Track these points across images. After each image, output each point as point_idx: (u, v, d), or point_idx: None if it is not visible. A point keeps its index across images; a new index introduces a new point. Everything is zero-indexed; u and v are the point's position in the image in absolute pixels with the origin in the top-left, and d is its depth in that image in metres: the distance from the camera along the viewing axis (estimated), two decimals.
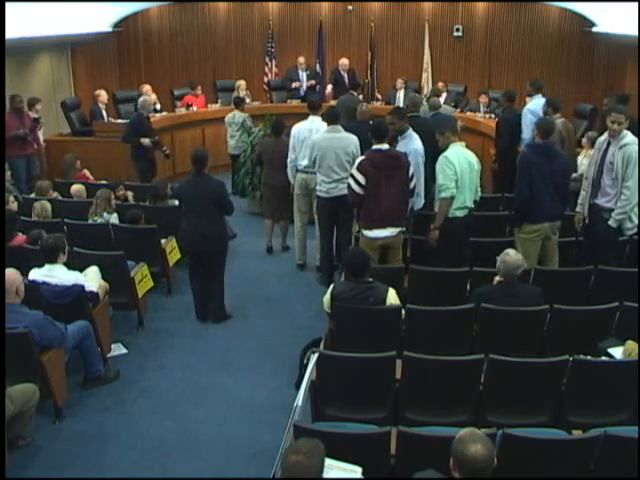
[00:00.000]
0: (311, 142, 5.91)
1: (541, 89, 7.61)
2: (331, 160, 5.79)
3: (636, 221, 5.09)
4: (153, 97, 9.99)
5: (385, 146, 5.07)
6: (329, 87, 10.73)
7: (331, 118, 5.97)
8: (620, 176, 4.99)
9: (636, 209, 5.06)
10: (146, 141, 7.95)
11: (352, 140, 5.84)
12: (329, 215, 6.04)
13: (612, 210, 5.08)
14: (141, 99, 8.49)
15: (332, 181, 5.84)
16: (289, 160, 6.36)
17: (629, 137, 5.00)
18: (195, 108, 10.11)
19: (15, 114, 7.90)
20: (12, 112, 7.93)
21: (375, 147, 5.08)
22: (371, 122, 6.11)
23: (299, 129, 6.30)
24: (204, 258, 5.41)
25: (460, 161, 5.06)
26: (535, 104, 7.27)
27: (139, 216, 6.07)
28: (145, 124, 8.15)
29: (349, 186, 5.11)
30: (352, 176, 5.07)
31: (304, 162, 6.18)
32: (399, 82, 10.85)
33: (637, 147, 4.96)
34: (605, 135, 5.18)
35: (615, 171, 5.02)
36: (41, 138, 8.58)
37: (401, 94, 10.68)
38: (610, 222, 5.08)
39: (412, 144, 5.53)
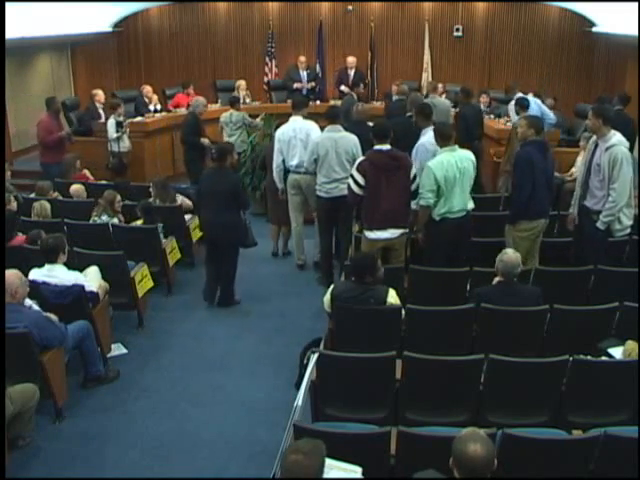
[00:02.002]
0: (312, 143, 5.88)
1: (514, 88, 8.14)
2: (332, 160, 5.76)
3: (626, 222, 5.05)
4: (154, 97, 9.98)
5: (386, 147, 5.05)
6: (343, 87, 10.66)
7: (330, 118, 5.95)
8: (607, 178, 4.95)
9: (625, 210, 5.02)
10: (206, 141, 7.89)
11: (353, 139, 5.81)
12: (328, 215, 6.03)
13: (600, 212, 5.04)
14: (194, 99, 8.37)
15: (332, 181, 5.82)
16: (275, 165, 6.32)
17: (616, 138, 4.95)
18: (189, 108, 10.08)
19: (54, 116, 7.91)
20: (52, 114, 7.93)
21: (376, 147, 5.07)
22: (370, 123, 6.11)
23: (283, 131, 6.31)
24: (219, 246, 5.71)
25: (446, 170, 4.92)
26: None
27: (151, 207, 6.12)
28: (200, 124, 8.04)
29: (348, 186, 5.11)
30: (351, 176, 5.06)
31: (294, 162, 6.20)
32: (394, 88, 10.73)
33: (624, 148, 4.92)
34: (595, 136, 5.18)
35: (602, 173, 4.98)
36: (127, 142, 8.49)
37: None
38: (598, 224, 5.05)
39: (421, 138, 5.55)
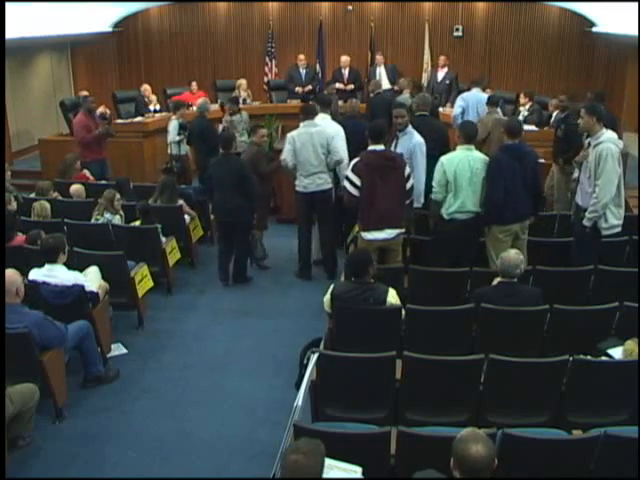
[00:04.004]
0: (289, 136, 6.07)
1: (479, 84, 8.38)
2: (309, 153, 5.95)
3: (613, 221, 4.98)
4: (153, 98, 9.95)
5: (380, 147, 5.05)
6: (337, 85, 10.70)
7: (307, 113, 6.08)
8: (593, 175, 4.94)
9: (614, 209, 4.97)
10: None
11: (327, 133, 5.98)
12: (307, 210, 6.20)
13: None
14: (200, 100, 8.21)
15: (309, 174, 6.00)
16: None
17: (605, 135, 4.93)
18: (195, 108, 10.05)
19: (89, 115, 7.86)
20: (86, 113, 7.86)
21: (370, 148, 5.07)
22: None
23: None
24: (229, 227, 6.16)
25: (458, 166, 4.98)
26: (470, 94, 8.28)
27: (148, 208, 6.13)
28: (213, 125, 7.95)
29: (345, 188, 5.09)
30: (347, 178, 5.05)
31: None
32: (378, 58, 10.83)
33: (611, 145, 4.88)
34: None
35: (589, 170, 4.99)
36: (186, 148, 8.04)
37: (382, 70, 10.70)
38: (584, 221, 5.04)
39: (414, 139, 5.53)
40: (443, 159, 5.07)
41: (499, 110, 7.64)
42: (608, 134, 4.95)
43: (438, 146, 5.57)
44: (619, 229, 5.06)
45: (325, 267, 6.38)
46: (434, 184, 5.09)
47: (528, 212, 5.17)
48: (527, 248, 5.15)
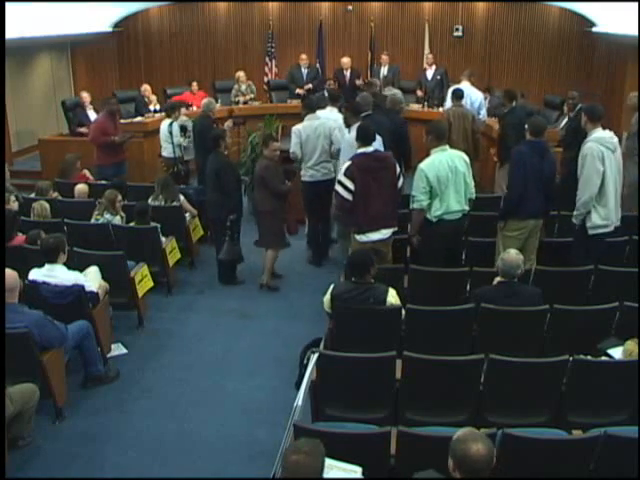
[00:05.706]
0: (295, 129, 6.37)
1: (468, 77, 8.46)
2: (313, 145, 6.30)
3: (597, 221, 4.98)
4: (153, 98, 9.93)
5: (370, 149, 5.04)
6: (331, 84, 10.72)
7: (309, 108, 6.47)
8: (580, 174, 5.00)
9: (599, 208, 4.97)
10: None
11: (329, 125, 6.34)
12: (313, 199, 6.50)
13: None
14: (205, 101, 7.98)
15: (314, 164, 6.34)
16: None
17: (594, 135, 4.96)
18: (195, 108, 10.05)
19: (110, 118, 7.76)
20: (108, 115, 7.75)
21: (360, 151, 5.05)
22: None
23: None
24: (213, 224, 6.39)
25: (438, 170, 4.91)
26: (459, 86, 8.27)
27: (146, 209, 6.12)
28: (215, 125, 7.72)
29: (337, 193, 5.02)
30: (340, 182, 4.99)
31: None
32: (383, 57, 10.89)
33: (593, 145, 4.90)
34: None
35: (579, 168, 5.03)
36: (190, 148, 7.74)
37: (385, 69, 10.77)
38: (572, 219, 5.11)
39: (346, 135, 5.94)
40: (422, 166, 4.96)
41: (463, 103, 7.80)
42: (597, 134, 4.97)
43: (388, 140, 5.79)
44: (605, 229, 5.05)
45: (315, 252, 6.76)
46: (415, 193, 4.95)
47: (542, 209, 5.19)
48: None
